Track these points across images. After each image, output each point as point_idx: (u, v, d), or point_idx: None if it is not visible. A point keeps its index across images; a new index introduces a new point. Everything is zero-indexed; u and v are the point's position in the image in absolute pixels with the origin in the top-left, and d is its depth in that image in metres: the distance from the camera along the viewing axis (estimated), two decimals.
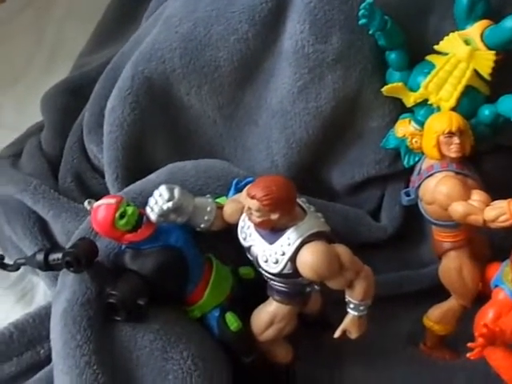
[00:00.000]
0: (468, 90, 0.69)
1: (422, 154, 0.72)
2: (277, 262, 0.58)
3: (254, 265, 0.62)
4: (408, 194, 0.72)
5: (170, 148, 0.80)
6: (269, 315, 0.63)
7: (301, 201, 0.60)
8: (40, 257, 0.60)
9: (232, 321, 0.63)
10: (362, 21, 0.68)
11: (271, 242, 0.58)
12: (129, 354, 0.59)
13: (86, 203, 0.60)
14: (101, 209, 0.59)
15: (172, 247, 0.62)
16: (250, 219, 0.57)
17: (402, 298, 0.77)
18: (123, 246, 0.62)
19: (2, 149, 0.97)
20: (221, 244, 0.65)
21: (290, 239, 0.57)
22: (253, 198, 0.55)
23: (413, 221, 0.78)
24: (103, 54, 1.04)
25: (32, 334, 0.70)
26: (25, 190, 0.80)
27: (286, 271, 0.58)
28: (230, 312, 0.64)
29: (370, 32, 0.69)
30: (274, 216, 0.56)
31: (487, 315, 0.63)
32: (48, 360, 0.68)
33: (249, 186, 0.58)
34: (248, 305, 0.66)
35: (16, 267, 0.63)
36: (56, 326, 0.59)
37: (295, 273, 0.57)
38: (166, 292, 0.62)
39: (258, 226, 0.58)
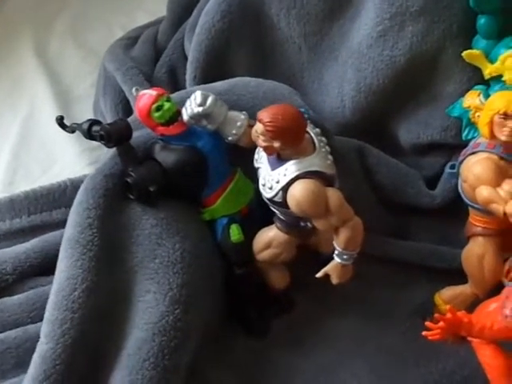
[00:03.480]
0: None
1: None
2: (271, 188, 0.60)
3: None
4: (453, 167, 0.69)
5: (251, 63, 0.83)
6: (268, 238, 0.66)
7: (317, 139, 0.61)
8: (85, 126, 0.66)
9: (235, 232, 0.67)
10: None
11: (273, 169, 0.60)
12: (131, 230, 0.64)
13: (133, 89, 0.66)
14: (143, 97, 0.64)
15: (197, 150, 0.65)
16: (256, 142, 0.60)
17: (430, 270, 0.75)
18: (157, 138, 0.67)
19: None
20: (251, 162, 0.68)
21: (287, 170, 0.58)
22: (260, 121, 0.57)
23: None
24: None
25: None
26: (119, 69, 0.89)
27: (276, 199, 0.60)
28: (237, 224, 0.67)
29: None
30: (276, 144, 0.57)
31: (488, 307, 0.61)
32: None
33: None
34: (262, 225, 0.68)
35: (71, 130, 0.69)
36: (81, 187, 0.67)
37: (285, 203, 0.59)
38: (181, 188, 0.66)
39: (263, 149, 0.60)
